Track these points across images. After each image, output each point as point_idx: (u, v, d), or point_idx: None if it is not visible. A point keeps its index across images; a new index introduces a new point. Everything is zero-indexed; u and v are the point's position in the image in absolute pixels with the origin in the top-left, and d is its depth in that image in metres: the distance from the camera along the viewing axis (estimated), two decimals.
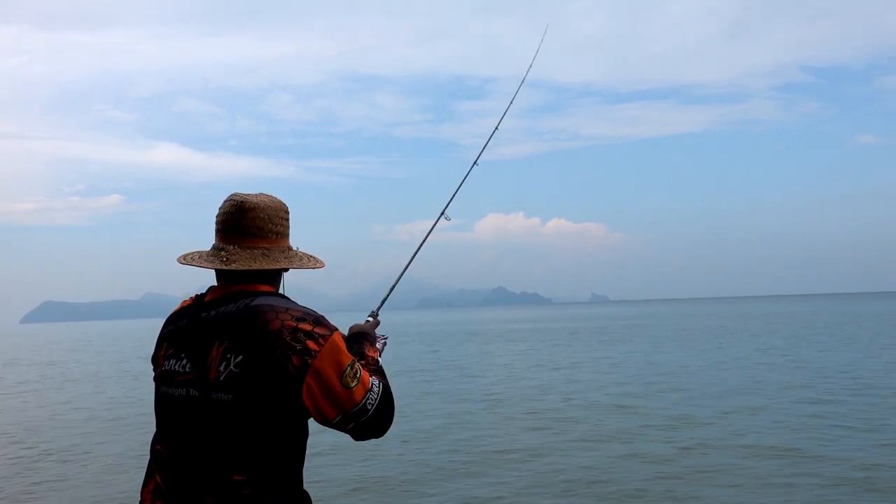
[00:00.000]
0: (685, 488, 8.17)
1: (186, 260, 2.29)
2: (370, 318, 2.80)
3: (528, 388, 17.74)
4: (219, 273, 2.30)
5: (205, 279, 2.38)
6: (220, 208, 2.31)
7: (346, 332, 2.48)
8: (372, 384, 2.21)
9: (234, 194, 2.30)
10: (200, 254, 2.30)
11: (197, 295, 2.33)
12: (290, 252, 2.34)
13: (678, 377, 18.66)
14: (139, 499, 2.26)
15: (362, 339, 2.52)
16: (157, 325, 2.55)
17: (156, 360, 2.31)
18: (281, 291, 2.34)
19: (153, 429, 2.31)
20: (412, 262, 3.36)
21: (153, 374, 2.32)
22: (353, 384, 2.14)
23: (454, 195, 3.67)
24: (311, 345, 2.09)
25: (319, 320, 2.16)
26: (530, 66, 4.54)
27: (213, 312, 2.19)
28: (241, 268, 2.21)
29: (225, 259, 2.22)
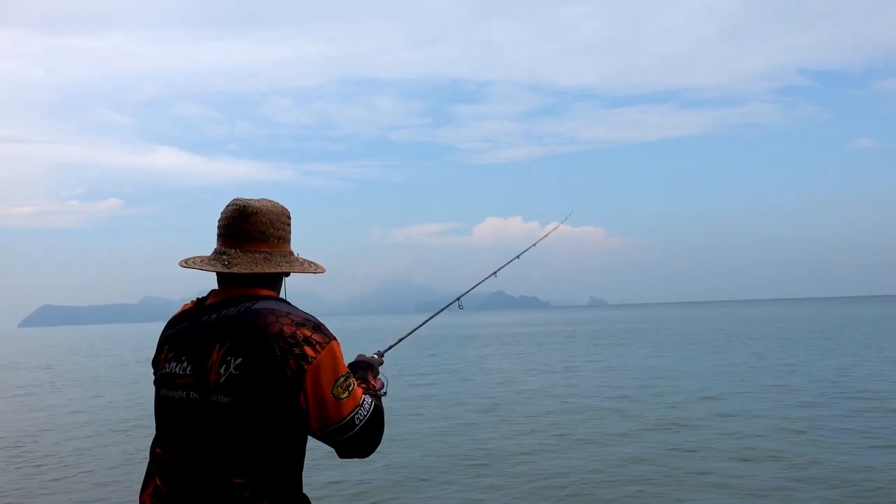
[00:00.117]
0: (675, 492, 8.22)
1: (188, 264, 2.30)
2: (375, 356, 2.79)
3: (523, 391, 17.74)
4: (220, 277, 2.31)
5: (204, 283, 2.41)
6: (222, 213, 2.33)
7: (350, 347, 2.55)
8: (363, 401, 2.21)
9: (237, 199, 2.32)
10: (202, 257, 2.32)
11: (198, 298, 2.35)
12: (292, 257, 2.36)
13: (674, 381, 18.65)
14: (138, 502, 2.27)
15: (367, 368, 2.54)
16: (156, 328, 2.56)
17: (156, 363, 2.31)
18: (282, 296, 2.36)
19: (152, 432, 2.32)
20: (423, 325, 3.36)
21: (153, 377, 2.33)
22: (344, 396, 2.14)
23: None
24: (308, 351, 2.10)
25: (319, 327, 2.17)
26: None
27: (214, 315, 2.21)
28: (242, 271, 2.22)
29: (227, 262, 2.24)
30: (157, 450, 2.23)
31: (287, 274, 2.37)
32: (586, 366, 24.49)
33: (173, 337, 2.28)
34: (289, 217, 2.38)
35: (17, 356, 49.17)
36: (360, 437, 2.19)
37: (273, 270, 2.27)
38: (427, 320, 3.33)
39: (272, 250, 2.29)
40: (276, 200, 2.38)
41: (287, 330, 2.11)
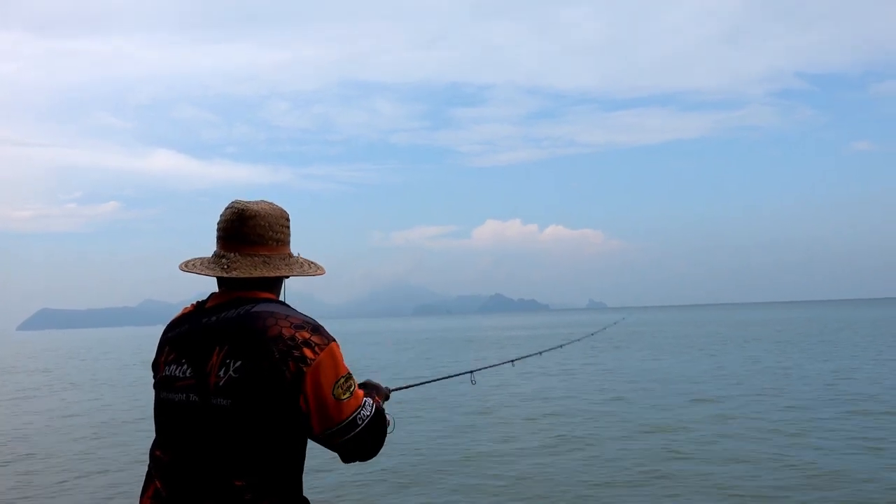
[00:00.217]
0: (666, 494, 8.23)
1: (188, 267, 2.31)
2: (385, 387, 2.77)
3: (518, 394, 17.79)
4: (220, 279, 2.32)
5: (204, 286, 2.42)
6: (221, 216, 2.34)
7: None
8: (365, 402, 2.22)
9: (236, 202, 2.33)
10: (202, 261, 2.33)
11: (198, 301, 2.36)
12: (291, 259, 2.37)
13: (669, 383, 18.69)
14: None
15: (373, 388, 2.54)
16: (156, 332, 2.57)
17: (156, 365, 2.32)
18: (281, 298, 2.37)
19: (151, 435, 2.32)
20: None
21: (153, 379, 2.34)
22: (345, 396, 2.14)
23: None
24: (308, 353, 2.11)
25: (318, 329, 2.17)
26: None
27: (213, 318, 2.21)
28: (241, 275, 2.23)
29: (226, 266, 2.25)
30: (157, 452, 2.24)
31: (287, 277, 2.38)
32: (581, 369, 24.53)
33: (173, 340, 2.28)
34: (287, 219, 2.39)
35: (16, 360, 49.10)
36: (363, 438, 2.19)
37: (272, 274, 2.27)
38: (439, 379, 3.25)
39: (271, 253, 2.30)
40: (274, 203, 2.39)
41: (286, 332, 2.11)
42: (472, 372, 3.25)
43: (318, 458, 10.20)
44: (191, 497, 2.11)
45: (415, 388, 3.12)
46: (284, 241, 2.36)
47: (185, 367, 2.19)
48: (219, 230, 2.33)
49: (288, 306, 2.27)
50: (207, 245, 2.38)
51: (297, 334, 2.12)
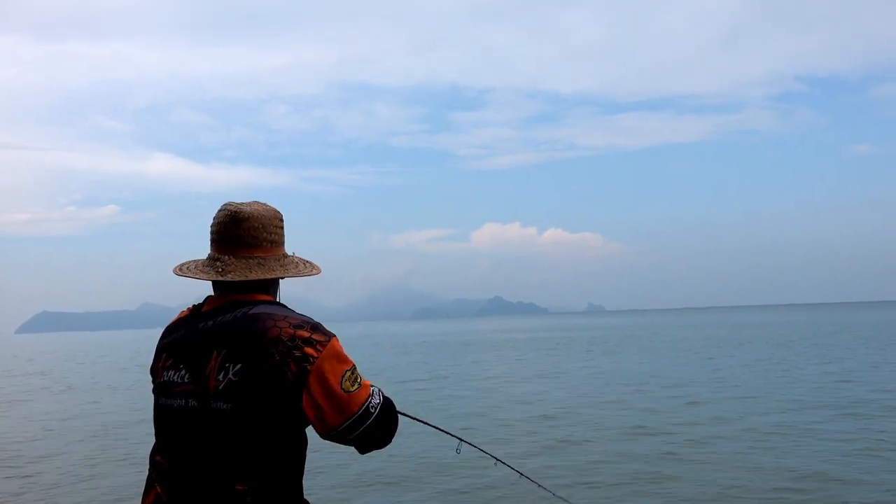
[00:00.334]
0: (652, 496, 8.24)
1: (182, 271, 2.30)
2: None
3: (513, 397, 17.79)
4: (216, 282, 2.30)
5: (202, 289, 2.43)
6: (214, 218, 2.32)
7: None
8: (373, 390, 2.22)
9: (228, 204, 2.31)
10: (196, 264, 2.32)
11: (194, 305, 2.34)
12: (286, 260, 2.35)
13: (664, 386, 18.68)
14: None
15: None
16: (154, 335, 2.56)
17: (154, 371, 2.31)
18: (278, 300, 2.35)
19: (151, 439, 2.31)
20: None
21: (152, 385, 2.33)
22: (354, 388, 2.14)
23: None
24: (310, 351, 2.10)
25: (317, 327, 2.17)
26: None
27: (210, 322, 2.20)
28: (236, 278, 2.22)
29: (220, 270, 2.24)
30: (157, 458, 2.23)
31: (282, 277, 2.36)
32: (576, 372, 24.53)
33: (170, 345, 2.27)
34: (281, 220, 2.36)
35: (14, 363, 49.05)
36: (377, 426, 2.19)
37: (267, 276, 2.26)
38: (434, 426, 3.01)
39: (266, 255, 2.29)
40: (267, 203, 2.37)
41: (286, 333, 2.10)
42: (460, 440, 3.18)
43: (318, 460, 10.18)
44: (192, 501, 2.11)
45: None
46: (279, 242, 2.34)
47: (182, 372, 2.18)
48: (212, 233, 2.31)
49: (285, 307, 2.26)
50: (206, 249, 2.37)
51: (296, 334, 2.11)
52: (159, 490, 2.18)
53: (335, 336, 2.19)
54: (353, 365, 2.19)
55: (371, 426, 2.17)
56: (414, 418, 2.66)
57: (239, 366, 2.09)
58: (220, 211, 2.31)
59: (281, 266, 2.31)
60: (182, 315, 2.34)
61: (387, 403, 2.25)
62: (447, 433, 3.08)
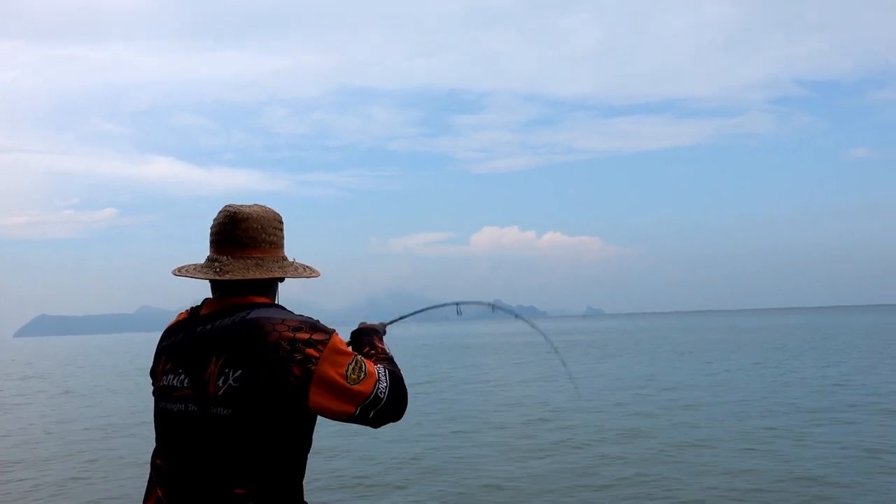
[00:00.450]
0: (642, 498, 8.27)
1: (181, 272, 2.30)
2: (378, 324, 2.81)
3: (512, 399, 17.81)
4: (214, 284, 2.30)
5: (199, 291, 2.38)
6: (214, 219, 2.33)
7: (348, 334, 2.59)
8: (379, 374, 2.24)
9: (228, 205, 2.33)
10: (195, 266, 2.32)
11: (192, 308, 2.34)
12: (285, 262, 2.35)
13: (659, 389, 18.70)
14: None
15: (372, 333, 2.59)
16: (152, 338, 2.55)
17: (154, 374, 2.31)
18: (276, 302, 2.35)
19: (150, 442, 2.32)
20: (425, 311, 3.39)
21: (152, 388, 2.33)
22: (361, 377, 2.17)
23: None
24: (311, 352, 2.11)
25: (315, 326, 2.18)
26: None
27: (209, 326, 2.20)
28: (234, 278, 2.22)
29: (219, 270, 2.24)
30: (158, 461, 2.23)
31: (282, 279, 2.36)
32: (578, 374, 24.60)
33: (169, 349, 2.27)
34: (280, 222, 2.37)
35: (12, 366, 49.01)
36: (388, 406, 2.23)
37: (265, 276, 2.26)
38: (430, 308, 3.36)
39: (264, 256, 2.29)
40: (267, 206, 2.37)
41: (285, 337, 2.11)
42: (457, 304, 3.44)
43: (318, 461, 10.19)
44: None
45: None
46: (278, 244, 2.34)
47: (182, 376, 2.18)
48: (212, 234, 2.32)
49: (283, 309, 2.26)
50: (205, 251, 2.36)
51: (296, 336, 2.11)
52: (160, 493, 2.19)
53: (335, 331, 2.21)
54: (355, 354, 2.22)
55: (381, 410, 2.22)
56: (410, 314, 2.89)
57: (239, 371, 2.09)
58: (220, 212, 2.32)
59: (279, 267, 2.31)
60: (180, 317, 2.34)
61: (394, 380, 2.28)
62: (444, 304, 3.36)
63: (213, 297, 2.31)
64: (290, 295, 2.44)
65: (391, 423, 2.32)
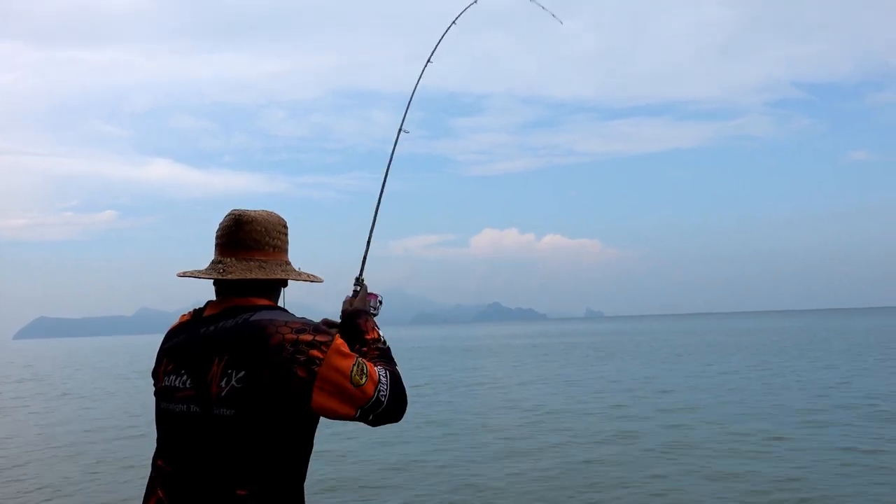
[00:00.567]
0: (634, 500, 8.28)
1: (186, 273, 2.33)
2: (357, 288, 2.78)
3: (511, 401, 17.84)
4: (217, 286, 2.32)
5: (199, 294, 2.33)
6: (220, 223, 2.36)
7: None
8: (380, 376, 2.25)
9: (234, 209, 2.36)
10: (200, 270, 2.34)
11: (195, 309, 2.35)
12: (289, 266, 2.37)
13: (655, 391, 18.73)
14: None
15: (358, 320, 2.54)
16: (151, 340, 2.56)
17: (156, 375, 2.32)
18: (280, 305, 2.37)
19: (149, 444, 2.34)
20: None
21: (154, 389, 2.34)
22: (363, 381, 2.19)
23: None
24: (315, 353, 2.12)
25: (318, 328, 2.20)
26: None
27: (212, 328, 2.22)
28: (236, 277, 2.24)
29: (222, 270, 2.26)
30: (159, 462, 2.24)
31: (285, 283, 2.38)
32: (577, 376, 24.60)
33: (171, 350, 2.28)
34: (285, 227, 2.40)
35: (11, 368, 49.00)
36: (388, 409, 2.26)
37: (268, 277, 2.28)
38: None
39: (267, 258, 2.31)
40: (273, 211, 2.40)
41: (288, 339, 2.12)
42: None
43: (319, 463, 10.21)
44: None
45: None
46: (281, 248, 2.37)
47: (184, 377, 2.19)
48: (217, 237, 2.35)
49: (286, 311, 2.28)
50: (204, 254, 2.37)
51: (299, 339, 2.13)
52: (161, 494, 2.20)
53: (337, 333, 2.22)
54: (357, 357, 2.23)
55: (382, 412, 2.24)
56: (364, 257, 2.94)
57: (242, 373, 2.10)
58: (226, 216, 2.36)
59: (283, 270, 2.33)
60: (183, 319, 2.36)
61: (394, 385, 2.30)
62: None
63: (217, 299, 2.33)
64: (293, 298, 2.43)
65: (391, 424, 2.34)
